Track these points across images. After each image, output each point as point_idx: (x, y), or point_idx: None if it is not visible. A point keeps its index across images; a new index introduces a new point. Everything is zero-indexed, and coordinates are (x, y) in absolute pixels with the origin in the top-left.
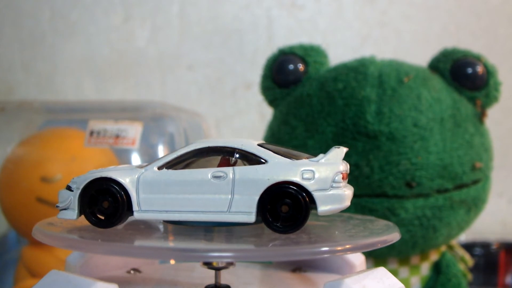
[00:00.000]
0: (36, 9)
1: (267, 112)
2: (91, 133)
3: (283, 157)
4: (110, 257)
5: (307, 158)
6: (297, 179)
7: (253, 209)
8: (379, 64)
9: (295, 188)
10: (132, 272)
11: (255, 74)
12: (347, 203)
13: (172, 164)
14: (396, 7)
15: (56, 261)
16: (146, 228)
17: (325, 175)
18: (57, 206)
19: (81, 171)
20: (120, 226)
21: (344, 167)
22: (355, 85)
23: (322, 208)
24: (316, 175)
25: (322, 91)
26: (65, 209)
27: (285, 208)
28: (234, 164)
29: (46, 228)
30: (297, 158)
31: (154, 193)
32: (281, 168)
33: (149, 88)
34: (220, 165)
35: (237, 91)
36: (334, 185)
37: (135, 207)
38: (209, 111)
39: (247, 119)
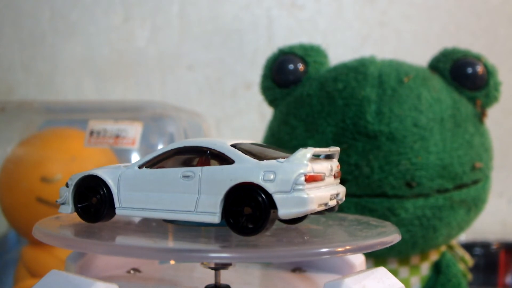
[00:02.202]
0: (36, 9)
1: (267, 112)
2: (91, 133)
3: (251, 158)
4: (110, 257)
5: (280, 158)
6: (258, 180)
7: (217, 209)
8: (379, 64)
9: (255, 189)
10: (132, 272)
11: (255, 74)
12: (310, 207)
13: (152, 164)
14: (396, 7)
15: (56, 261)
16: (149, 227)
17: (287, 177)
18: (57, 201)
19: (81, 171)
20: (134, 223)
21: (312, 168)
22: (355, 85)
23: (283, 211)
24: (278, 177)
25: (322, 91)
26: (63, 204)
27: (247, 210)
28: (206, 164)
29: (51, 223)
30: (268, 158)
31: (133, 191)
32: (244, 169)
33: (149, 88)
34: (197, 165)
35: (237, 91)
36: (296, 187)
37: (116, 203)
38: (209, 111)
39: (247, 119)
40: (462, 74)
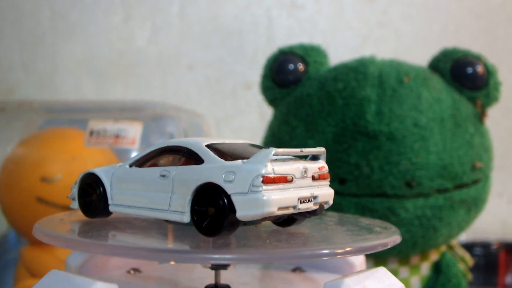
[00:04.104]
0: (36, 9)
1: (267, 112)
2: (91, 133)
3: (219, 158)
4: (110, 257)
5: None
6: (219, 181)
7: (186, 209)
8: (379, 64)
9: (217, 190)
10: (132, 272)
11: (255, 74)
12: (267, 209)
13: (140, 163)
14: (396, 7)
15: (56, 261)
16: (150, 227)
17: (244, 177)
18: (68, 197)
19: (81, 171)
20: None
21: (273, 169)
22: (355, 85)
23: (240, 212)
24: (237, 178)
25: (322, 91)
26: (73, 199)
27: (211, 210)
28: (183, 163)
29: (51, 223)
30: (237, 159)
31: (122, 188)
32: (209, 169)
33: (149, 88)
34: (175, 164)
35: (237, 91)
36: (253, 188)
37: (109, 200)
38: (209, 111)
39: (247, 119)
40: (462, 74)
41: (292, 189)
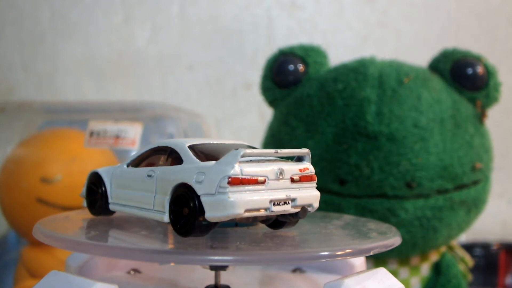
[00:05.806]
0: (36, 9)
1: (267, 112)
2: (91, 133)
3: (197, 159)
4: (110, 258)
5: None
6: (191, 182)
7: (165, 208)
8: (379, 64)
9: (188, 191)
10: (132, 272)
11: (255, 74)
12: (233, 211)
13: (136, 163)
14: (396, 7)
15: (56, 261)
16: (151, 228)
17: (212, 179)
18: (79, 195)
19: (81, 172)
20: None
21: (241, 170)
22: (355, 86)
23: (209, 214)
24: (206, 179)
25: (322, 91)
26: (83, 197)
27: (185, 210)
28: (169, 164)
29: (51, 224)
30: (210, 159)
31: (119, 188)
32: (185, 170)
33: (149, 88)
34: (170, 164)
35: (237, 91)
36: (220, 190)
37: (109, 199)
38: (209, 111)
39: (247, 119)
40: (462, 74)
41: (263, 191)
